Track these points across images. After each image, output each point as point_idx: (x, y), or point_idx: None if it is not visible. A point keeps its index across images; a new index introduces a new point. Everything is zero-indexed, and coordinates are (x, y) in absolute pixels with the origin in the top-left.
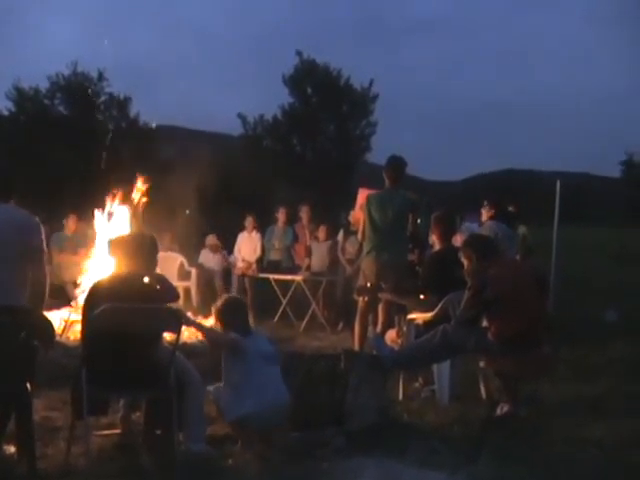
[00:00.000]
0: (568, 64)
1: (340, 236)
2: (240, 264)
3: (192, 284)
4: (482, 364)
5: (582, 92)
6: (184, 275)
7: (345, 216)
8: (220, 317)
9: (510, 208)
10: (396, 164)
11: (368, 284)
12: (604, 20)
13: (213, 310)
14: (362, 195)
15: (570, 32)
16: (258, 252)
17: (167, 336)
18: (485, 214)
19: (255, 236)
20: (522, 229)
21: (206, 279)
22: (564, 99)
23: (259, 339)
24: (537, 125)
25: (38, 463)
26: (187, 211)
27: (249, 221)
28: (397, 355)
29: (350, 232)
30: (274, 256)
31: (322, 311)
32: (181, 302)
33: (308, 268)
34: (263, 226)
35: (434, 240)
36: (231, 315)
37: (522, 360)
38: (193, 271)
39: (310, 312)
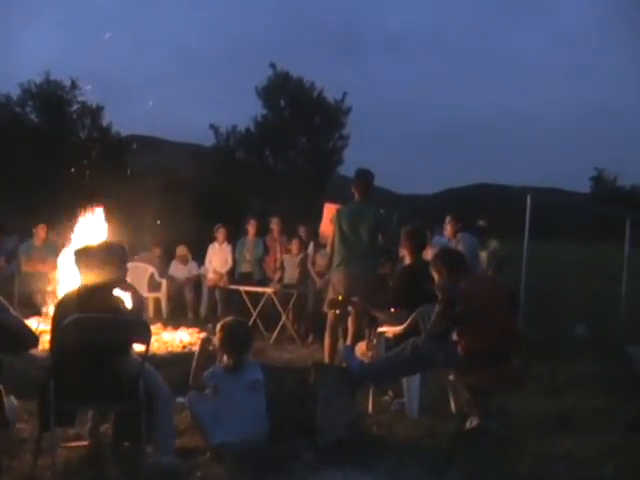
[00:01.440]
0: (541, 81)
1: (310, 249)
2: (211, 275)
3: (162, 295)
4: (452, 377)
5: (554, 109)
6: (154, 286)
7: (307, 229)
8: (223, 336)
9: (481, 222)
10: (363, 177)
11: (339, 297)
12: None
13: (219, 326)
14: (328, 209)
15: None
16: (229, 264)
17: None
18: (450, 228)
19: (226, 247)
20: (493, 243)
21: (176, 290)
22: (538, 115)
23: (251, 371)
24: (510, 140)
25: (3, 476)
26: (158, 221)
27: (220, 232)
28: (367, 368)
29: (320, 245)
30: (245, 268)
31: (292, 323)
32: (151, 313)
33: (280, 280)
34: (234, 238)
35: (404, 254)
36: (233, 343)
37: (491, 374)
38: (163, 282)
39: (280, 324)
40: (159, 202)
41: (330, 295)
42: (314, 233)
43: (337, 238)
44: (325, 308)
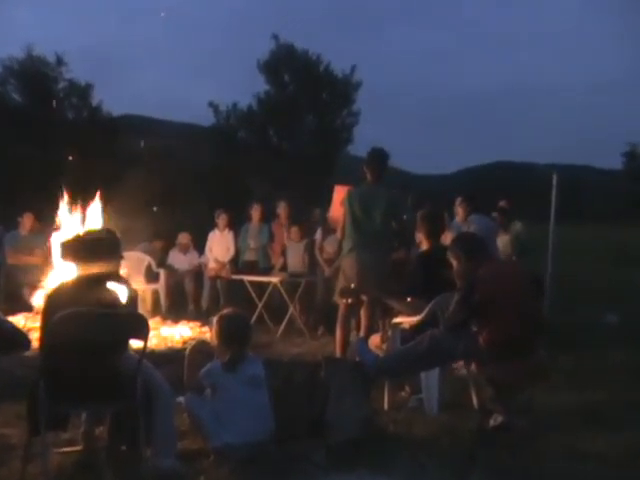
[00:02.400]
0: (565, 49)
1: (318, 235)
2: (212, 265)
3: (160, 287)
4: (473, 371)
5: (581, 78)
6: (152, 277)
7: (321, 213)
8: (219, 331)
9: (502, 203)
10: (377, 157)
11: (351, 285)
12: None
13: (216, 319)
14: (338, 192)
15: (567, 15)
16: (231, 252)
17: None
18: (461, 211)
19: (228, 235)
20: (517, 226)
21: (176, 281)
22: (562, 86)
23: (250, 366)
24: (533, 114)
25: None
26: (155, 208)
27: (222, 218)
28: (382, 362)
29: (329, 230)
30: (249, 256)
31: (300, 315)
32: (149, 306)
33: (283, 268)
34: (237, 224)
35: (421, 239)
36: (231, 336)
37: (515, 366)
38: (162, 273)
39: (288, 316)
40: (155, 187)
41: (341, 283)
42: (321, 218)
43: (348, 222)
44: (336, 298)
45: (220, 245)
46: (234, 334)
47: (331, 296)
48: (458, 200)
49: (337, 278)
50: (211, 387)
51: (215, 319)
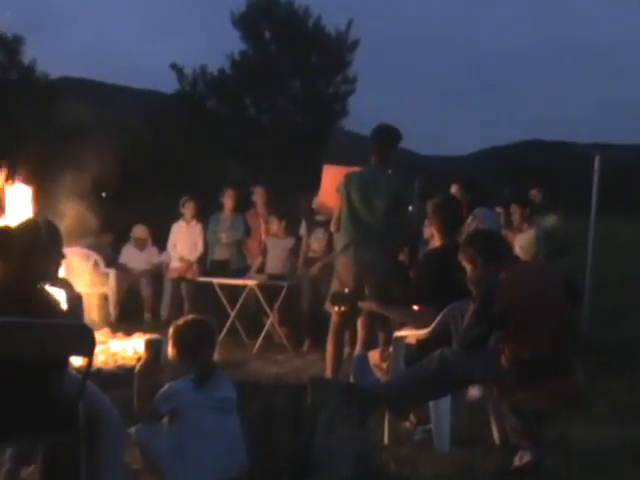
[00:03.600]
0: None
1: (302, 228)
2: (175, 264)
3: (110, 291)
4: (493, 398)
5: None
6: (100, 279)
7: (305, 202)
8: (178, 345)
9: (533, 192)
10: (387, 136)
11: (345, 290)
12: None
13: (172, 330)
14: (328, 173)
15: None
16: (199, 249)
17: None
18: None
19: (195, 227)
20: (551, 220)
21: (129, 284)
22: (616, 45)
23: (220, 387)
24: (574, 80)
25: None
26: (103, 193)
27: (188, 207)
28: (382, 387)
29: (314, 223)
30: (220, 254)
31: (282, 326)
32: (95, 315)
33: (261, 269)
34: (206, 214)
35: (432, 234)
36: (192, 348)
37: (546, 392)
38: (112, 273)
39: (266, 328)
40: (105, 167)
41: (334, 287)
42: (305, 210)
43: (344, 213)
44: (326, 305)
45: (186, 240)
46: (195, 345)
47: (320, 303)
48: (453, 188)
49: (326, 281)
50: (171, 414)
51: (171, 330)
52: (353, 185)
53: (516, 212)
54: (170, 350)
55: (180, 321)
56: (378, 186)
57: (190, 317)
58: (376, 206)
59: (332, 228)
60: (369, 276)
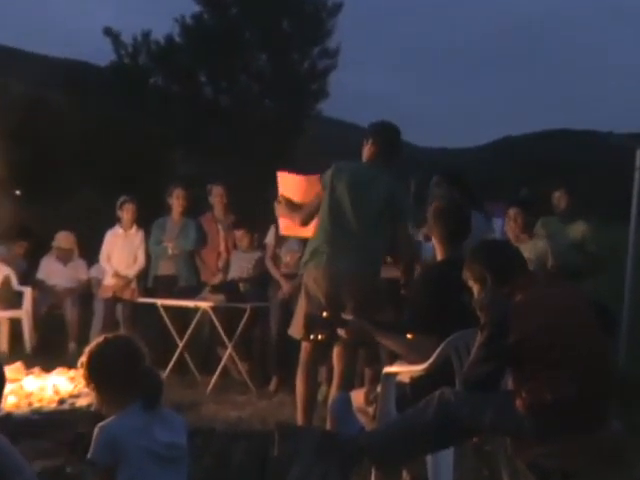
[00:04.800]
0: None
1: (270, 237)
2: (110, 281)
3: (25, 314)
4: (507, 452)
5: None
6: (11, 299)
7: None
8: (91, 378)
9: (557, 194)
10: (384, 134)
11: (323, 313)
12: None
13: (85, 358)
14: (283, 181)
15: None
16: (140, 262)
17: None
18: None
19: (136, 235)
20: (580, 229)
21: (50, 305)
22: None
23: (162, 427)
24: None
25: None
26: (17, 191)
27: (127, 210)
28: (368, 436)
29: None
30: (165, 268)
31: (243, 360)
32: (4, 345)
33: (218, 288)
34: (148, 218)
35: (434, 245)
36: (112, 378)
37: (573, 446)
38: (27, 292)
39: (224, 361)
40: (17, 158)
41: (303, 308)
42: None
43: (324, 208)
44: (294, 332)
45: (123, 251)
46: (131, 365)
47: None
48: (435, 178)
49: (297, 302)
50: (106, 469)
51: (83, 359)
52: (342, 176)
53: (518, 217)
54: (91, 390)
55: (92, 345)
56: (373, 184)
57: (104, 337)
58: (365, 209)
59: (298, 220)
60: (349, 294)
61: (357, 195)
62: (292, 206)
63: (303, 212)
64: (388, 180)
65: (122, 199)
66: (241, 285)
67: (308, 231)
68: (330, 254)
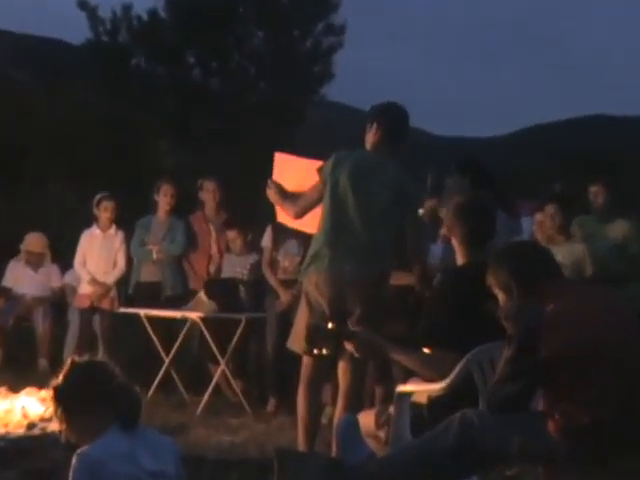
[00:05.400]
0: None
1: (266, 238)
2: (86, 289)
3: None
4: None
5: None
6: None
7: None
8: (63, 405)
9: (594, 189)
10: (396, 123)
11: (328, 324)
12: None
13: (53, 389)
14: (280, 164)
15: None
16: (121, 267)
17: None
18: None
19: (115, 236)
20: (621, 228)
21: (17, 317)
22: None
23: (148, 451)
24: None
25: None
26: None
27: (105, 208)
28: (378, 463)
29: (284, 232)
30: (150, 274)
31: (237, 377)
32: None
33: (210, 296)
34: (130, 218)
35: (455, 247)
36: (80, 405)
37: (614, 475)
38: None
39: (215, 379)
40: None
41: (304, 318)
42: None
43: (326, 206)
44: (294, 345)
45: (101, 255)
46: (103, 386)
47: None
48: (453, 168)
49: (297, 311)
50: None
51: (51, 390)
52: (343, 167)
53: (556, 216)
54: (60, 423)
55: (58, 376)
56: (378, 176)
57: (71, 363)
58: (370, 201)
59: (290, 212)
60: (352, 302)
61: (360, 189)
62: (284, 195)
63: (297, 205)
64: (395, 170)
65: (99, 196)
66: (241, 288)
67: (307, 224)
68: (332, 257)
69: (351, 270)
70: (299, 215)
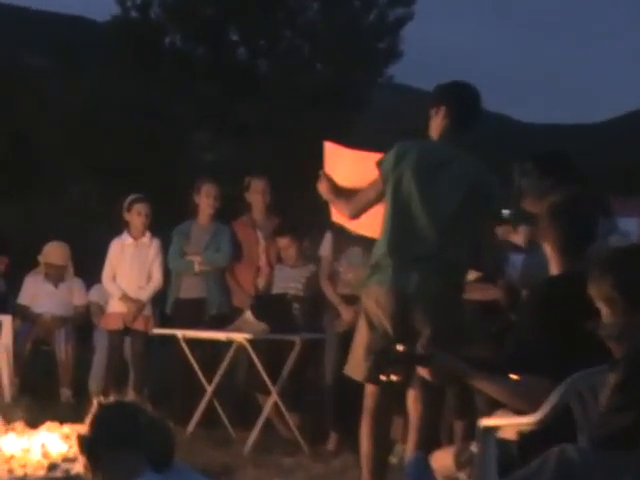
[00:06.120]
0: None
1: (326, 246)
2: (117, 307)
3: (3, 350)
4: None
5: None
6: None
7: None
8: (90, 455)
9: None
10: (467, 103)
11: (399, 347)
12: None
13: (77, 438)
14: (331, 155)
15: None
16: (156, 280)
17: None
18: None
19: (150, 246)
20: None
21: (36, 339)
22: None
23: None
24: None
25: None
26: None
27: (138, 212)
28: None
29: (346, 239)
30: (191, 289)
31: (291, 410)
32: None
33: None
34: (164, 223)
35: (549, 255)
36: (116, 451)
37: None
38: (6, 322)
39: (266, 412)
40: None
41: (364, 340)
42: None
43: (386, 212)
44: (354, 372)
45: (133, 266)
46: (133, 427)
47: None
48: (530, 164)
49: (359, 333)
50: None
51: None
52: (407, 161)
53: None
54: (86, 471)
55: (98, 410)
56: (448, 170)
57: (96, 404)
58: (440, 201)
59: (345, 212)
60: (421, 320)
61: (427, 186)
62: (336, 191)
63: (352, 204)
64: (470, 162)
65: (131, 198)
66: (295, 305)
67: (365, 226)
68: (396, 267)
69: (418, 282)
70: (354, 216)
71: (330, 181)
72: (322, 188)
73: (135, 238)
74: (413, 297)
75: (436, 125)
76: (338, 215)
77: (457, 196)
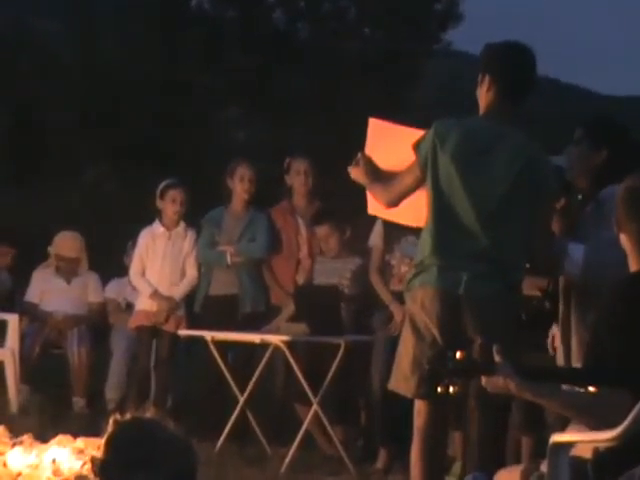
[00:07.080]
0: None
1: (377, 237)
2: (146, 305)
3: (9, 354)
4: None
5: None
6: None
7: None
8: (105, 477)
9: None
10: (519, 65)
11: (457, 354)
12: None
13: (92, 462)
14: (376, 132)
15: None
16: (191, 275)
17: None
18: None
19: (184, 237)
20: None
21: (45, 341)
22: None
23: None
24: None
25: None
26: None
27: (172, 199)
28: None
29: (400, 227)
30: (222, 285)
31: (335, 422)
32: None
33: (298, 314)
34: (196, 211)
35: (626, 248)
36: (135, 473)
37: None
38: (12, 322)
39: (306, 424)
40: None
41: (410, 348)
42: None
43: (428, 202)
44: (398, 386)
45: (166, 260)
46: (150, 451)
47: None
48: (579, 134)
49: (403, 342)
50: None
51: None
52: (448, 142)
53: None
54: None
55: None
56: (497, 150)
57: (113, 422)
58: (488, 188)
59: (382, 199)
60: (473, 325)
61: (472, 171)
62: (375, 174)
63: (388, 190)
64: (521, 140)
65: (165, 183)
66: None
67: (404, 215)
68: (442, 267)
69: (469, 283)
70: (391, 203)
71: (368, 164)
72: (355, 172)
73: (168, 228)
74: (463, 300)
75: (481, 97)
76: (375, 205)
77: (506, 184)
